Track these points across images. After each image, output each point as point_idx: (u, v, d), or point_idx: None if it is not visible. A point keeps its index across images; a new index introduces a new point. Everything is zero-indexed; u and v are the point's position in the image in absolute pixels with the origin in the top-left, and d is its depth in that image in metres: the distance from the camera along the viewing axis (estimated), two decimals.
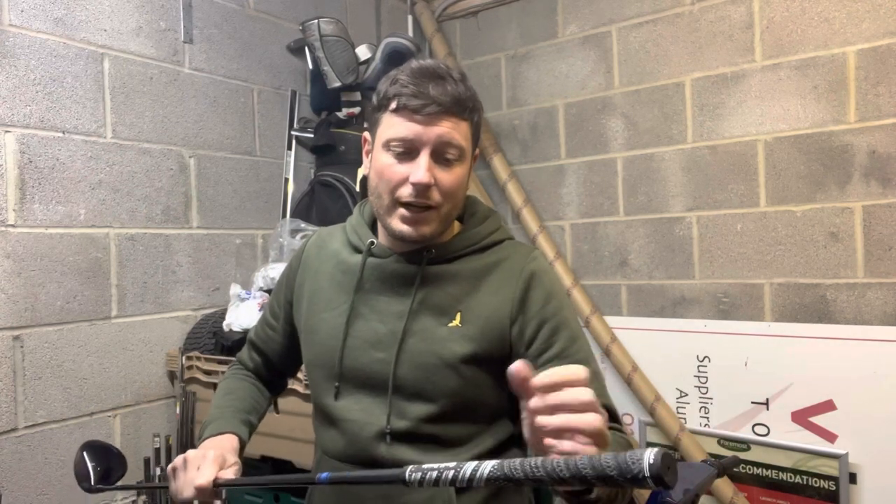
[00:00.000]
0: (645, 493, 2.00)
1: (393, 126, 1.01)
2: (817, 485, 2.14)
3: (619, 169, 2.57)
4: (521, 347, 1.04)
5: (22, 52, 1.82)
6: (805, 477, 2.17)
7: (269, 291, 2.14)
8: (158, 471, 2.04)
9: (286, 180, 2.55)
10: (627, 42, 2.53)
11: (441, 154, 1.01)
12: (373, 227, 1.16)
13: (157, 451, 2.06)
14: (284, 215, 2.51)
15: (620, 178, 2.56)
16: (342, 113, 2.45)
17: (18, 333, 1.80)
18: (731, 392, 2.31)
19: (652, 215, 2.50)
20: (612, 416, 1.01)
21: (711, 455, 2.29)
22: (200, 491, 0.95)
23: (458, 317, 1.04)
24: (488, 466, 0.68)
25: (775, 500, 2.23)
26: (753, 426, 2.27)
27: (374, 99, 1.06)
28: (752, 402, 2.27)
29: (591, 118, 2.63)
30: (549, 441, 0.68)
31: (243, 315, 2.05)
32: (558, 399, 0.68)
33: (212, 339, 2.10)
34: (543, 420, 0.68)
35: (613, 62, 2.57)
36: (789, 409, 2.20)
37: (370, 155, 1.09)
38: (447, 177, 1.02)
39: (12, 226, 1.79)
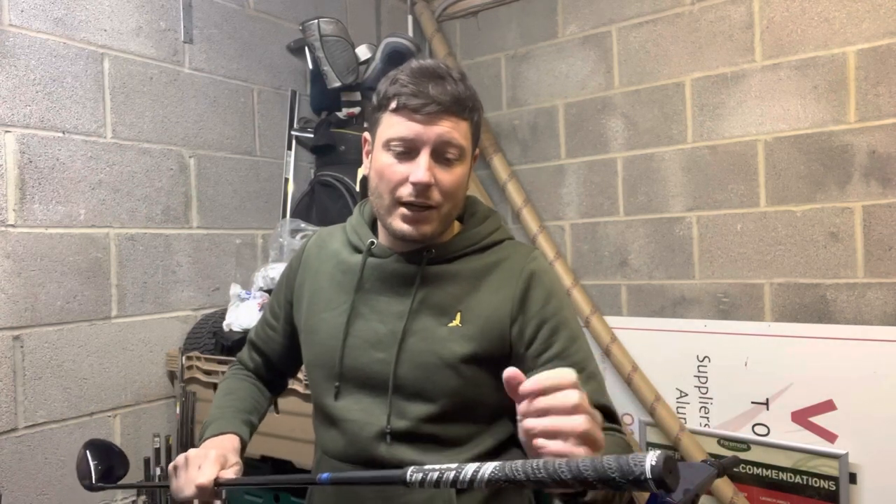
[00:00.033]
0: (645, 494, 2.00)
1: (393, 126, 1.01)
2: (817, 485, 2.14)
3: (619, 169, 2.57)
4: (521, 347, 1.04)
5: (22, 52, 1.82)
6: (805, 477, 2.17)
7: (269, 291, 2.14)
8: (158, 471, 2.04)
9: (286, 180, 2.55)
10: (627, 42, 2.53)
11: (441, 154, 1.01)
12: (373, 227, 1.16)
13: (157, 451, 2.06)
14: (284, 215, 2.51)
15: (620, 178, 2.56)
16: (342, 113, 2.45)
17: (18, 333, 1.80)
18: (731, 392, 2.31)
19: (652, 215, 2.50)
20: (611, 417, 1.01)
21: (711, 455, 2.29)
22: (201, 490, 0.95)
23: (458, 317, 1.04)
24: (489, 468, 0.68)
25: (775, 500, 2.23)
26: (753, 426, 2.27)
27: (374, 99, 1.06)
28: (752, 402, 2.27)
29: (591, 118, 2.63)
30: (538, 442, 0.69)
31: (243, 315, 2.05)
32: (545, 403, 0.69)
33: (212, 339, 2.10)
34: (530, 423, 0.70)
35: (613, 62, 2.57)
36: (789, 409, 2.20)
37: (370, 155, 1.09)
38: (447, 176, 1.02)
39: (12, 226, 1.79)
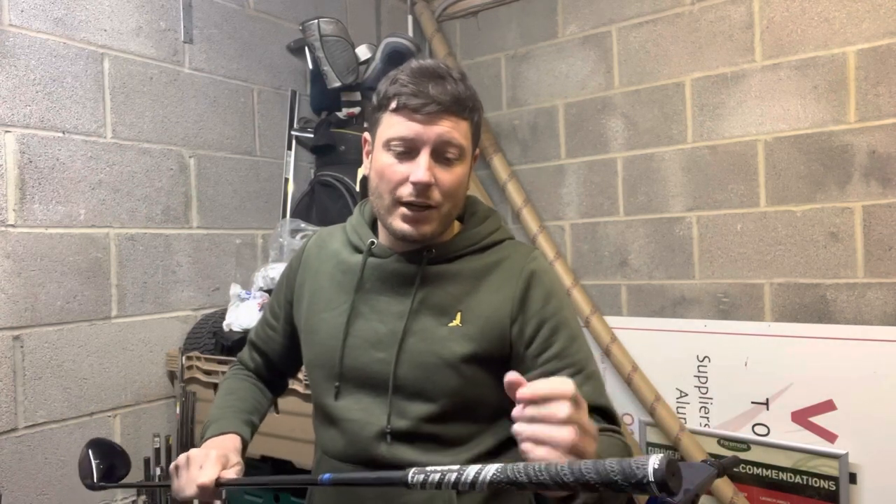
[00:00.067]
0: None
1: (393, 126, 1.01)
2: (817, 485, 2.14)
3: (619, 169, 2.57)
4: (521, 347, 1.04)
5: (22, 52, 1.82)
6: (805, 477, 2.17)
7: (269, 291, 2.14)
8: (158, 471, 2.04)
9: (286, 180, 2.55)
10: (627, 42, 2.53)
11: (441, 153, 1.01)
12: (373, 227, 1.16)
13: (157, 451, 2.06)
14: (284, 215, 2.51)
15: (620, 178, 2.57)
16: (342, 113, 2.45)
17: (18, 333, 1.80)
18: (731, 392, 2.31)
19: (652, 215, 2.50)
20: (610, 417, 1.02)
21: (711, 455, 2.29)
22: (203, 490, 0.95)
23: (458, 316, 1.04)
24: (491, 470, 0.68)
25: (775, 500, 2.23)
26: (753, 426, 2.27)
27: (374, 99, 1.06)
28: (752, 402, 2.27)
29: (591, 118, 2.63)
30: (524, 447, 0.71)
31: (243, 315, 2.05)
32: (535, 412, 0.70)
33: (212, 339, 2.10)
34: (518, 428, 0.71)
35: (613, 62, 2.57)
36: (789, 409, 2.20)
37: (370, 155, 1.09)
38: (447, 176, 1.02)
39: (12, 226, 1.79)
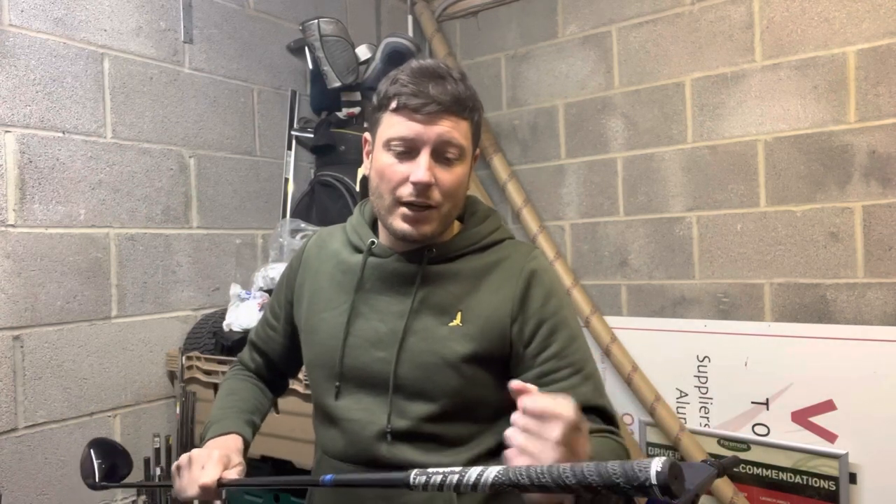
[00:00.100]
0: None
1: (393, 125, 1.01)
2: (817, 485, 2.14)
3: (619, 169, 2.57)
4: (521, 346, 1.04)
5: (22, 52, 1.82)
6: (805, 477, 2.17)
7: (269, 291, 2.14)
8: (158, 471, 2.04)
9: (286, 180, 2.55)
10: (627, 42, 2.53)
11: (441, 153, 1.01)
12: (373, 227, 1.16)
13: (157, 451, 2.06)
14: (284, 215, 2.51)
15: (620, 178, 2.57)
16: (342, 113, 2.45)
17: (18, 333, 1.80)
18: (731, 392, 2.31)
19: (652, 215, 2.50)
20: (608, 418, 1.02)
21: (711, 455, 2.29)
22: (204, 490, 0.95)
23: (458, 316, 1.04)
24: (493, 472, 0.68)
25: (775, 500, 2.23)
26: (753, 426, 2.27)
27: (375, 99, 1.07)
28: (752, 402, 2.27)
29: (591, 118, 2.63)
30: (508, 452, 0.72)
31: (243, 315, 2.05)
32: (532, 425, 0.71)
33: (212, 339, 2.10)
34: (509, 433, 0.73)
35: (613, 62, 2.57)
36: (789, 409, 2.20)
37: (371, 155, 1.09)
38: (447, 176, 1.02)
39: (12, 226, 1.79)
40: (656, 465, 0.59)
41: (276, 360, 1.29)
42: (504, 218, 2.79)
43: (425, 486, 0.72)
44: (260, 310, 2.03)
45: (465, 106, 1.02)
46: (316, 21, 2.33)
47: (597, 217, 2.63)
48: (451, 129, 1.01)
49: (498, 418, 1.08)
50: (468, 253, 1.09)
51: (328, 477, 0.81)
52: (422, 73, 1.01)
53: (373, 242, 1.11)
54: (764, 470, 2.25)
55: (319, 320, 1.13)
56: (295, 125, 2.58)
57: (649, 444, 2.49)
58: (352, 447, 1.07)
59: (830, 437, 2.13)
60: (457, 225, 1.13)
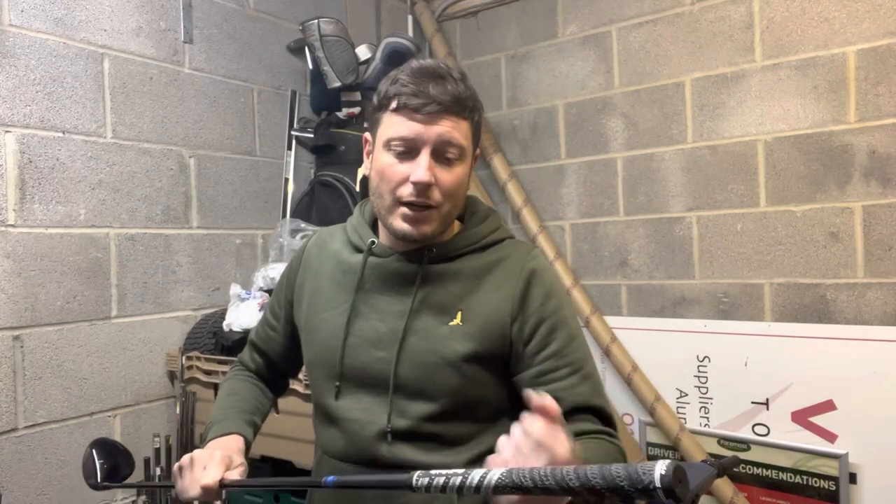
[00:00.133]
0: None
1: (393, 125, 1.01)
2: (817, 485, 2.14)
3: (619, 169, 2.57)
4: (520, 345, 1.04)
5: (22, 52, 1.82)
6: (805, 477, 2.17)
7: (269, 291, 2.14)
8: (158, 471, 2.04)
9: (286, 180, 2.55)
10: (627, 42, 2.53)
11: (441, 153, 1.01)
12: (373, 227, 1.16)
13: (157, 451, 2.06)
14: (284, 215, 2.51)
15: (620, 178, 2.56)
16: (342, 113, 2.45)
17: (18, 333, 1.80)
18: (731, 392, 2.31)
19: (652, 215, 2.50)
20: (605, 418, 1.02)
21: (711, 455, 2.29)
22: (206, 490, 0.95)
23: (458, 315, 1.04)
24: (496, 474, 0.68)
25: (775, 500, 2.23)
26: (753, 426, 2.27)
27: (375, 99, 1.07)
28: (752, 402, 2.27)
29: (591, 118, 2.63)
30: (490, 458, 0.73)
31: (243, 315, 2.05)
32: (524, 446, 0.72)
33: (212, 339, 2.10)
34: (502, 444, 0.73)
35: (613, 62, 2.57)
36: (789, 409, 2.20)
37: (371, 155, 1.09)
38: (448, 176, 1.02)
39: (12, 226, 1.79)
40: (661, 467, 0.59)
41: (277, 361, 1.29)
42: (504, 218, 2.79)
43: (427, 487, 0.72)
44: (260, 310, 2.03)
45: (465, 106, 1.02)
46: (316, 21, 2.33)
47: (597, 217, 2.63)
48: (452, 129, 1.01)
49: (498, 418, 1.08)
50: (468, 252, 1.09)
51: (330, 478, 0.81)
52: (422, 73, 1.01)
53: (373, 242, 1.11)
54: (764, 470, 2.25)
55: (319, 320, 1.13)
56: (295, 125, 2.58)
57: (649, 444, 2.49)
58: (352, 447, 1.07)
59: (830, 437, 2.13)
60: (457, 225, 1.13)
